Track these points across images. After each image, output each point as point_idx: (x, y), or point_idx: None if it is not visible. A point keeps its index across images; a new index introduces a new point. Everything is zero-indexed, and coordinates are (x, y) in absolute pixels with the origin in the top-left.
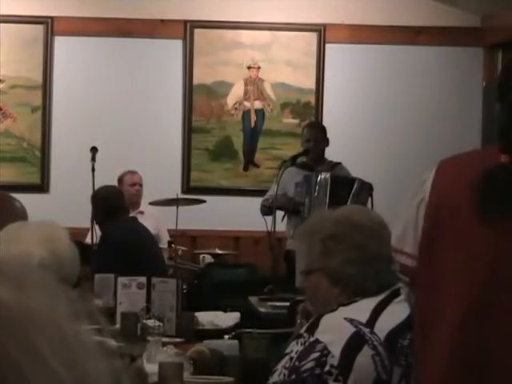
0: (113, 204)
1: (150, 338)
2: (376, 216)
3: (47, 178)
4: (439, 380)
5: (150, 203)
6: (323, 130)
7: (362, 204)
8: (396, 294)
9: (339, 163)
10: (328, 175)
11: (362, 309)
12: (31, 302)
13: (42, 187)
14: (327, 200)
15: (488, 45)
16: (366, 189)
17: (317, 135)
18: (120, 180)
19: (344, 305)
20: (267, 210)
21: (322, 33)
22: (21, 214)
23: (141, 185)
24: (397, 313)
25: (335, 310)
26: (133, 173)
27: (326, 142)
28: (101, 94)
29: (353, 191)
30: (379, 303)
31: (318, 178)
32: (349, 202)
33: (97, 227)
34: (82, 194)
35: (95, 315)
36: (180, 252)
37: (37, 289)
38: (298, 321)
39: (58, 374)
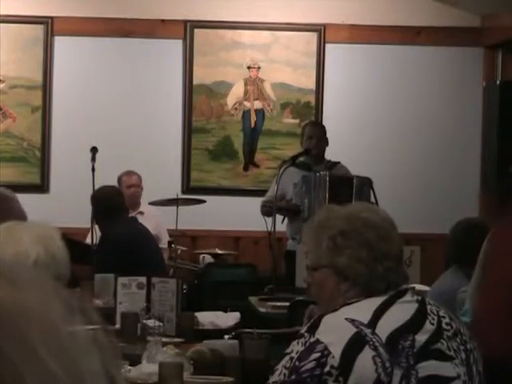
0: (112, 204)
1: (149, 338)
2: (385, 215)
3: (47, 178)
4: None
5: (150, 203)
6: (324, 129)
7: (366, 199)
8: (400, 294)
9: (338, 162)
10: (326, 175)
11: (364, 308)
12: (26, 300)
13: (42, 187)
14: (327, 200)
15: (488, 45)
16: (367, 184)
17: (319, 133)
18: (119, 180)
19: (348, 304)
20: (267, 211)
21: (322, 33)
22: (19, 214)
23: (138, 186)
24: (399, 314)
25: (337, 309)
26: (130, 174)
27: (326, 141)
28: (101, 94)
29: (354, 189)
30: (382, 303)
31: (317, 179)
32: (353, 201)
33: (97, 227)
34: (82, 194)
35: (90, 313)
36: (180, 252)
37: (31, 287)
38: (306, 321)
39: (53, 372)
